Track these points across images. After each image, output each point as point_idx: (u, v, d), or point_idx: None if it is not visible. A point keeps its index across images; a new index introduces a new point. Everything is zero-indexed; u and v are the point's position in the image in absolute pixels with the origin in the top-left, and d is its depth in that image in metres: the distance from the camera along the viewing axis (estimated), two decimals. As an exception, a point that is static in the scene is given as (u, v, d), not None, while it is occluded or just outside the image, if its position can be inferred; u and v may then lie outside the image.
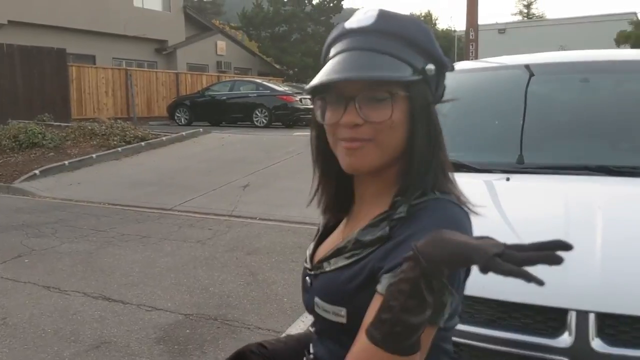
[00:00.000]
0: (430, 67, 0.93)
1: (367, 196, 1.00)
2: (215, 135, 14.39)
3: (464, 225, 0.88)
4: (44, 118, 14.90)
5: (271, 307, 4.25)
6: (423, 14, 51.21)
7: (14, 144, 12.63)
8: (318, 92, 0.96)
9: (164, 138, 13.25)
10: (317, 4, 30.88)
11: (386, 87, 0.90)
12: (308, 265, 1.05)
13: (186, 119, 19.17)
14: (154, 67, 24.25)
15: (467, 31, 7.61)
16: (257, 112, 18.05)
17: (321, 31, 31.48)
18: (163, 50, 25.04)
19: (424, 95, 0.93)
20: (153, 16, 24.22)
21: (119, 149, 12.12)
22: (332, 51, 0.97)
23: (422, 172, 0.92)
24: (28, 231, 6.69)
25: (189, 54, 25.92)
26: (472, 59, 8.09)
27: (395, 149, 0.93)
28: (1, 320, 4.02)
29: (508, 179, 2.25)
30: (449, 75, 1.01)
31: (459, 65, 3.69)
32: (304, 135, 14.61)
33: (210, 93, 19.22)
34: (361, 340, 0.79)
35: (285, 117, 17.89)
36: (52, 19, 19.93)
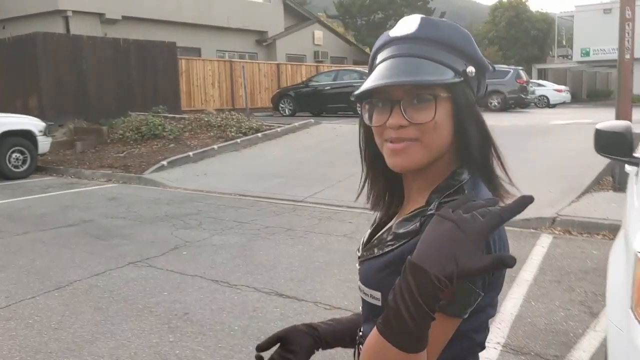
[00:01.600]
0: (471, 69, 0.99)
1: (412, 192, 1.06)
2: (325, 126, 14.29)
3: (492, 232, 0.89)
4: (159, 110, 15.37)
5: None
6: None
7: (136, 136, 13.12)
8: (365, 97, 1.02)
9: (278, 129, 13.30)
10: (414, -11, 30.15)
11: (429, 90, 0.95)
12: (358, 253, 1.12)
13: (290, 109, 19.23)
14: (255, 58, 24.56)
15: (622, 9, 6.93)
16: (362, 102, 17.81)
17: (418, 17, 30.73)
18: (263, 41, 25.28)
19: (466, 95, 0.99)
20: (254, 7, 24.49)
21: (238, 140, 12.27)
22: (379, 58, 1.03)
23: (478, 166, 1.00)
24: (174, 222, 6.81)
25: (287, 45, 26.05)
26: (628, 41, 7.42)
27: (441, 148, 0.98)
28: (184, 315, 4.01)
29: None
30: None
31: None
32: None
33: (314, 83, 19.18)
34: (373, 330, 0.85)
35: (390, 105, 17.55)
36: (161, 14, 20.56)
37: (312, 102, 18.76)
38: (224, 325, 3.81)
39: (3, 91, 15.54)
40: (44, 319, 3.98)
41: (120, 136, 13.33)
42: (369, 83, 0.98)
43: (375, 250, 1.03)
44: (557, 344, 3.40)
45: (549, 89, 31.40)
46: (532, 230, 6.07)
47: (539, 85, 31.32)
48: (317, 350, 1.22)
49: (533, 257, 5.14)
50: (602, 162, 8.06)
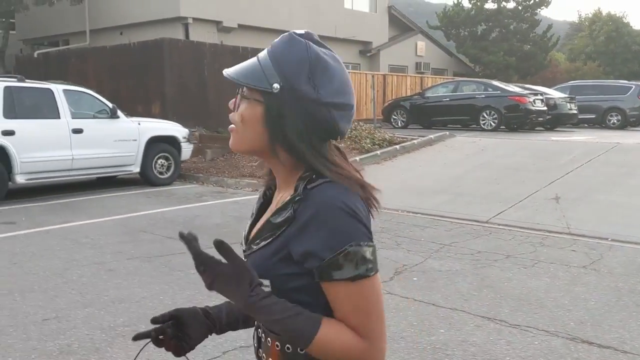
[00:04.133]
0: (276, 85, 1.05)
1: (280, 182, 1.15)
2: (461, 139, 13.48)
3: (348, 202, 1.02)
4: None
5: None
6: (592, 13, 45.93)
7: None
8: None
9: (414, 142, 12.60)
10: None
11: (250, 91, 1.08)
12: (243, 247, 1.19)
13: (403, 121, 18.50)
14: (358, 68, 24.05)
15: None
16: (485, 114, 16.85)
17: (524, 28, 29.47)
18: (367, 52, 24.75)
19: (276, 107, 1.06)
20: (361, 17, 24.03)
21: (377, 152, 11.65)
22: None
23: (308, 164, 1.07)
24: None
25: (390, 55, 25.41)
26: None
27: (252, 143, 1.10)
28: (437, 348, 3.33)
29: None
30: None
31: None
32: (570, 141, 13.16)
33: (431, 94, 18.40)
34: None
35: (517, 119, 16.52)
36: (273, 23, 20.39)
37: (428, 114, 17.95)
38: (466, 353, 3.09)
39: (125, 95, 15.59)
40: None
41: (250, 144, 12.98)
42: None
43: (259, 242, 1.11)
44: None
45: (661, 106, 29.35)
46: None
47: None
48: (210, 335, 1.26)
49: None
50: None
